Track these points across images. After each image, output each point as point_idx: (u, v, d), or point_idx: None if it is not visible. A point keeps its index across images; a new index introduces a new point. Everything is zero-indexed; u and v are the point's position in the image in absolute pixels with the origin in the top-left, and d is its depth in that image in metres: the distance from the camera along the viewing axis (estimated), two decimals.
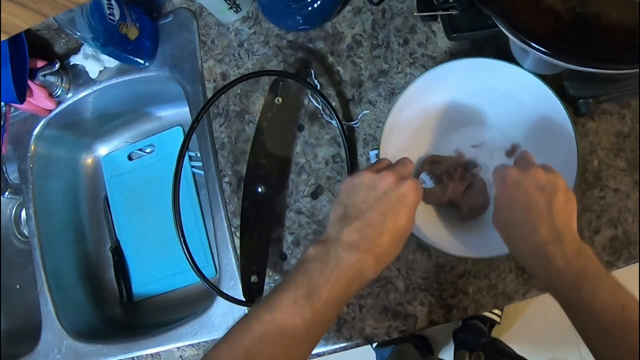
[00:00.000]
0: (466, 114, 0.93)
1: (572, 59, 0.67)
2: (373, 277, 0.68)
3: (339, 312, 0.68)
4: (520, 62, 0.88)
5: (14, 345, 1.32)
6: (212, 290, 0.96)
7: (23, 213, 1.44)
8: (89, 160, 1.38)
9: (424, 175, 0.89)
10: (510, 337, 2.04)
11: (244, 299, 0.98)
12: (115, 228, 1.33)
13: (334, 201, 0.77)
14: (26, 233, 1.40)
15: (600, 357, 0.63)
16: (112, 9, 1.03)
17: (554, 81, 0.84)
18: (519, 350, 1.56)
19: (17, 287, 1.38)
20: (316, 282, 0.64)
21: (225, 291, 0.98)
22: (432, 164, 0.93)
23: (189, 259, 0.93)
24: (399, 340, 1.90)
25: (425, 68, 0.99)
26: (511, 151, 0.92)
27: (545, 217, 0.67)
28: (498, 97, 0.90)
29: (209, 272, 1.21)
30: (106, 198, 1.35)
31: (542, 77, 0.83)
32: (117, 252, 1.32)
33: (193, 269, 0.93)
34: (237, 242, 1.03)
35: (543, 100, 0.84)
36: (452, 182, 0.91)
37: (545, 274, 0.67)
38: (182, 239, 0.93)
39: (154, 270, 1.29)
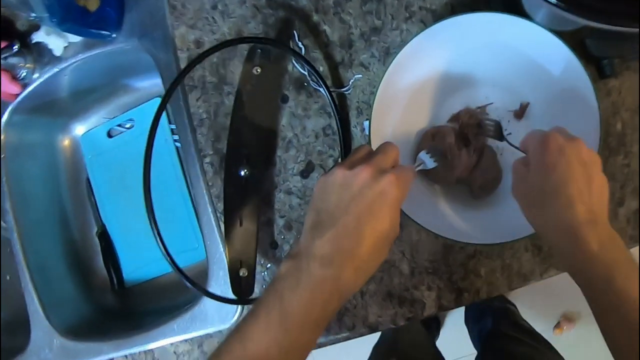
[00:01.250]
0: (469, 74, 0.85)
1: (592, 15, 0.56)
2: (355, 291, 0.61)
3: (320, 333, 0.61)
4: (532, 16, 0.77)
5: (13, 338, 1.25)
6: (198, 290, 0.87)
7: None
8: (66, 142, 1.28)
9: (422, 155, 0.79)
10: (522, 291, 1.97)
11: (233, 297, 0.90)
12: (100, 211, 1.26)
13: (309, 205, 0.67)
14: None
15: (621, 349, 0.59)
16: None
17: (572, 38, 0.75)
18: (530, 307, 1.50)
19: (8, 277, 1.32)
20: (289, 304, 0.58)
21: (214, 282, 0.94)
22: (434, 137, 0.83)
23: (165, 253, 0.87)
24: None
25: (424, 23, 0.89)
26: (520, 112, 0.84)
27: (585, 195, 0.61)
28: (506, 55, 0.81)
29: (201, 254, 1.14)
30: (88, 180, 1.26)
31: (558, 34, 0.74)
32: (104, 237, 1.25)
33: (172, 265, 0.87)
34: (223, 226, 0.94)
35: (558, 59, 0.76)
36: (459, 158, 0.82)
37: (575, 256, 0.61)
38: (154, 227, 0.86)
39: (144, 254, 1.22)
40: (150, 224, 0.85)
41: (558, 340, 2.01)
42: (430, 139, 0.84)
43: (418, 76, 0.83)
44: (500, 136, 0.82)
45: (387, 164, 0.64)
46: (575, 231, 0.60)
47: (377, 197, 0.60)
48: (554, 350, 1.33)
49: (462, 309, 1.99)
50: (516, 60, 0.80)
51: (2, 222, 1.28)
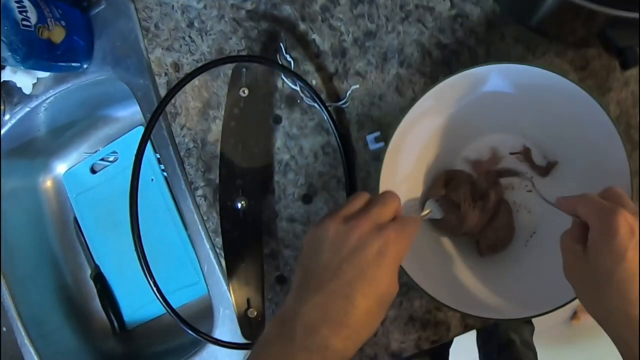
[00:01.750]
0: (485, 124, 0.79)
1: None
2: (347, 358, 0.54)
3: None
4: None
5: None
6: (205, 340, 0.81)
7: None
8: (49, 183, 1.22)
9: (431, 203, 0.73)
10: None
11: (244, 340, 0.84)
12: (92, 252, 1.19)
13: (298, 258, 0.61)
14: None
15: None
16: (26, 11, 0.84)
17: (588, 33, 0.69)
18: None
19: (4, 329, 1.25)
20: None
21: (221, 323, 0.89)
22: (447, 183, 0.78)
23: (162, 300, 0.83)
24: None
25: (422, 23, 0.81)
26: (546, 170, 0.78)
27: None
28: (524, 102, 0.74)
29: (202, 289, 1.08)
30: (76, 220, 1.19)
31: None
32: (99, 278, 1.18)
33: (171, 314, 0.82)
34: (224, 263, 0.88)
35: (586, 113, 0.69)
36: (473, 212, 0.77)
37: None
38: (146, 271, 0.80)
39: (144, 292, 1.13)
40: (142, 267, 0.79)
41: (576, 329, 1.98)
42: (442, 185, 0.77)
43: (432, 126, 0.76)
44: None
45: (387, 216, 0.58)
46: None
47: (373, 259, 0.54)
48: None
49: None
50: (541, 112, 0.74)
51: None
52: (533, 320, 1.72)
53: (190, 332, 0.81)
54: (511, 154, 0.78)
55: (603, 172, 0.70)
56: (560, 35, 0.76)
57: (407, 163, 0.76)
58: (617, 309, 0.55)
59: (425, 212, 0.71)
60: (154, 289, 0.79)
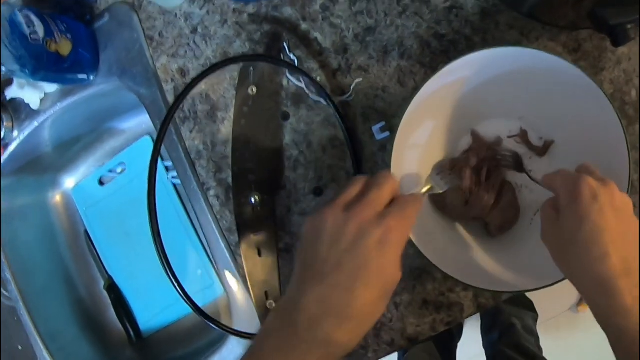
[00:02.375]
0: (487, 108, 0.81)
1: None
2: (350, 350, 0.54)
3: None
4: None
5: None
6: (226, 332, 0.83)
7: None
8: (58, 197, 1.23)
9: (433, 177, 0.74)
10: None
11: None
12: (104, 263, 1.21)
13: (296, 249, 0.61)
14: None
15: None
16: (33, 26, 0.86)
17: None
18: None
19: (20, 348, 1.25)
20: None
21: (238, 318, 0.90)
22: (451, 171, 0.80)
23: (181, 293, 0.83)
24: None
25: (419, 16, 0.84)
26: (542, 149, 0.80)
27: (619, 244, 0.57)
28: (527, 89, 0.76)
29: (217, 290, 1.09)
30: (87, 233, 1.20)
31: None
32: (113, 289, 1.19)
33: (193, 308, 0.84)
34: (240, 261, 0.90)
35: (582, 93, 0.71)
36: (479, 196, 0.79)
37: (608, 309, 0.57)
38: (169, 272, 0.81)
39: (158, 300, 1.17)
40: (164, 267, 0.80)
41: (582, 317, 1.99)
42: (447, 172, 0.79)
43: (429, 119, 0.79)
44: (519, 167, 0.79)
45: (384, 199, 0.57)
46: (608, 284, 0.56)
47: (374, 249, 0.53)
48: None
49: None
50: (537, 94, 0.76)
51: (5, 293, 1.23)
52: (538, 309, 1.75)
53: (215, 326, 0.82)
54: (509, 137, 0.81)
55: (600, 148, 0.72)
56: (553, 20, 0.78)
57: (413, 153, 0.78)
58: (583, 267, 0.58)
59: (426, 187, 0.71)
60: (179, 289, 0.80)
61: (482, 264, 0.77)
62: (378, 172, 0.60)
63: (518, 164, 0.79)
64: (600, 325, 0.59)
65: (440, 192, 0.73)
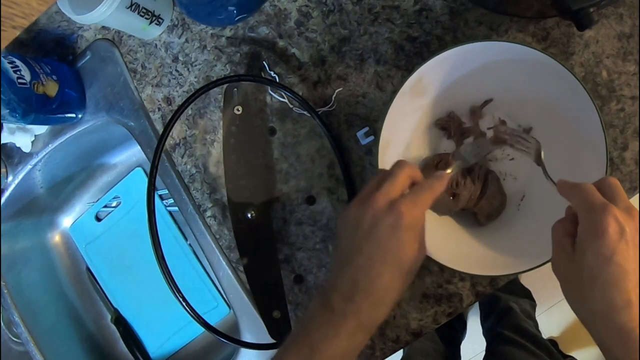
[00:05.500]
0: (466, 103, 0.84)
1: None
2: (380, 322, 0.61)
3: None
4: None
5: None
6: (236, 344, 0.84)
7: None
8: (57, 237, 1.24)
9: (464, 148, 0.78)
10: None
11: (271, 340, 0.88)
12: (109, 297, 1.22)
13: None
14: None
15: None
16: (20, 70, 0.88)
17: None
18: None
19: None
20: (315, 340, 0.59)
21: (247, 332, 0.92)
22: (437, 166, 0.82)
23: (192, 313, 0.83)
24: None
25: (391, 21, 0.87)
26: None
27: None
28: (505, 82, 0.79)
29: (222, 311, 1.11)
30: (89, 269, 1.22)
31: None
32: (120, 321, 1.20)
33: (202, 325, 0.84)
34: (242, 277, 0.92)
35: (556, 81, 0.73)
36: (465, 187, 0.81)
37: (621, 354, 0.52)
38: (177, 293, 0.83)
39: (165, 327, 1.18)
40: (169, 285, 0.82)
41: None
42: (432, 168, 0.81)
43: (411, 117, 0.81)
44: (538, 158, 0.76)
45: (397, 188, 0.61)
46: (629, 335, 0.51)
47: (387, 232, 0.59)
48: (555, 357, 1.31)
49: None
50: (511, 84, 0.79)
51: (14, 339, 1.23)
52: (536, 298, 1.76)
53: (225, 340, 0.83)
54: (489, 128, 0.83)
55: (577, 129, 0.74)
56: (519, 12, 0.81)
57: (398, 154, 0.80)
58: (601, 313, 0.53)
59: (452, 167, 0.70)
60: (184, 303, 0.82)
61: (475, 251, 0.79)
62: (394, 163, 0.65)
63: (537, 155, 0.76)
64: None
65: (471, 163, 0.76)
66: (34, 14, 0.41)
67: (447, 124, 0.83)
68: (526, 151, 0.77)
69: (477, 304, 1.97)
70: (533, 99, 0.79)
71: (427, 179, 0.64)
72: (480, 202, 0.82)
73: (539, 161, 0.74)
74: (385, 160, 0.76)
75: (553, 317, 1.93)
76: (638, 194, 0.82)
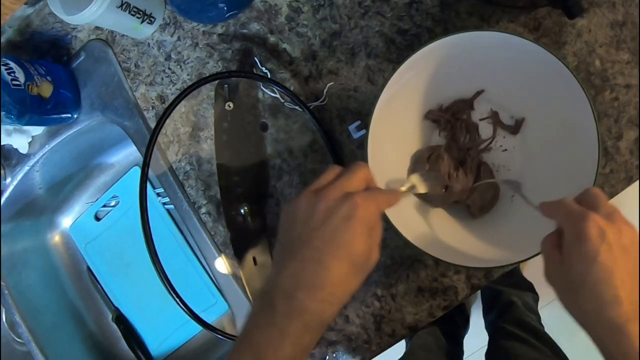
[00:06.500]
0: (458, 94, 0.83)
1: None
2: (328, 322, 0.57)
3: None
4: None
5: None
6: (225, 338, 0.84)
7: None
8: (57, 238, 1.25)
9: (415, 177, 0.76)
10: None
11: None
12: (110, 296, 1.22)
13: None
14: None
15: None
16: (14, 72, 0.89)
17: None
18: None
19: None
20: (259, 345, 0.55)
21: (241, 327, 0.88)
22: (428, 159, 0.82)
23: (187, 311, 0.84)
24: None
25: (381, 14, 0.87)
26: (515, 127, 0.82)
27: (628, 288, 0.55)
28: (497, 71, 0.79)
29: (220, 308, 1.11)
30: (89, 269, 1.22)
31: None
32: (121, 320, 1.21)
33: (196, 320, 0.84)
34: (238, 272, 0.92)
35: (549, 71, 0.72)
36: (457, 180, 0.81)
37: (619, 353, 0.55)
38: (174, 295, 0.83)
39: (166, 325, 1.18)
40: (167, 289, 0.82)
41: None
42: (424, 161, 0.81)
43: (408, 103, 0.81)
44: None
45: (354, 185, 0.59)
46: (620, 330, 0.54)
47: (341, 223, 0.55)
48: (558, 351, 1.30)
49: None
50: (502, 74, 0.78)
51: (17, 339, 1.24)
52: (539, 290, 1.75)
53: (221, 336, 0.84)
54: (481, 119, 0.83)
55: (570, 119, 0.74)
56: (510, 2, 0.81)
57: (390, 147, 0.80)
58: (592, 311, 0.56)
59: (407, 185, 0.73)
60: (178, 301, 0.82)
61: (469, 244, 0.79)
62: (354, 163, 0.62)
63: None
64: None
65: (423, 192, 0.75)
66: (7, 13, 0.42)
67: (438, 117, 0.83)
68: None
69: (479, 299, 1.97)
70: (525, 89, 0.78)
71: (376, 187, 0.63)
72: (472, 195, 0.82)
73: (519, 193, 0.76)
74: (376, 155, 0.75)
75: (556, 309, 1.92)
76: (638, 183, 0.82)
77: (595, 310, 0.56)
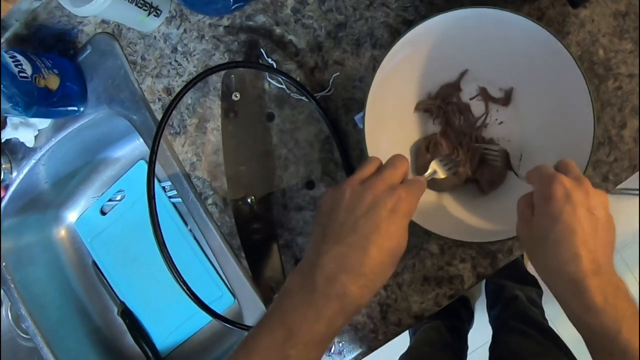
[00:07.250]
0: (449, 73, 0.85)
1: None
2: (362, 307, 0.62)
3: (325, 350, 0.61)
4: None
5: None
6: (240, 329, 0.84)
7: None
8: (62, 232, 1.25)
9: (435, 164, 0.78)
10: None
11: None
12: (115, 290, 1.23)
13: (314, 218, 0.65)
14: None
15: None
16: (21, 64, 0.89)
17: None
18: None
19: None
20: (293, 322, 0.57)
21: (251, 318, 0.92)
22: (428, 149, 0.83)
23: (196, 301, 0.85)
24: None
25: (386, 5, 0.87)
26: (505, 98, 0.83)
27: (590, 244, 0.59)
28: (485, 48, 0.79)
29: (226, 301, 1.11)
30: (95, 263, 1.23)
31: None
32: (127, 314, 1.21)
33: (205, 310, 0.85)
34: (244, 263, 0.92)
35: (537, 42, 0.74)
36: (461, 161, 0.82)
37: (579, 308, 0.59)
38: (181, 283, 0.84)
39: (171, 318, 1.19)
40: (175, 279, 0.83)
41: None
42: (425, 151, 0.83)
43: (398, 99, 0.82)
44: (509, 164, 0.80)
45: (398, 178, 0.63)
46: (579, 285, 0.58)
47: (386, 215, 0.59)
48: (561, 345, 1.30)
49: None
50: (496, 51, 0.79)
51: (22, 335, 1.24)
52: (543, 287, 1.75)
53: (230, 326, 0.85)
54: (470, 99, 0.84)
55: (557, 83, 0.75)
56: None
57: (389, 146, 0.80)
58: (554, 267, 0.60)
59: (429, 172, 0.76)
60: (188, 291, 0.83)
61: (478, 223, 0.80)
62: (394, 155, 0.66)
63: (507, 161, 0.80)
64: (573, 325, 0.61)
65: (442, 177, 0.78)
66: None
67: (429, 106, 0.84)
68: (497, 161, 0.80)
69: (483, 293, 1.98)
70: (508, 60, 0.79)
71: (411, 178, 0.66)
72: (481, 171, 0.83)
73: (509, 166, 0.79)
74: (374, 143, 0.77)
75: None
76: (638, 173, 0.83)
77: (557, 266, 0.60)
